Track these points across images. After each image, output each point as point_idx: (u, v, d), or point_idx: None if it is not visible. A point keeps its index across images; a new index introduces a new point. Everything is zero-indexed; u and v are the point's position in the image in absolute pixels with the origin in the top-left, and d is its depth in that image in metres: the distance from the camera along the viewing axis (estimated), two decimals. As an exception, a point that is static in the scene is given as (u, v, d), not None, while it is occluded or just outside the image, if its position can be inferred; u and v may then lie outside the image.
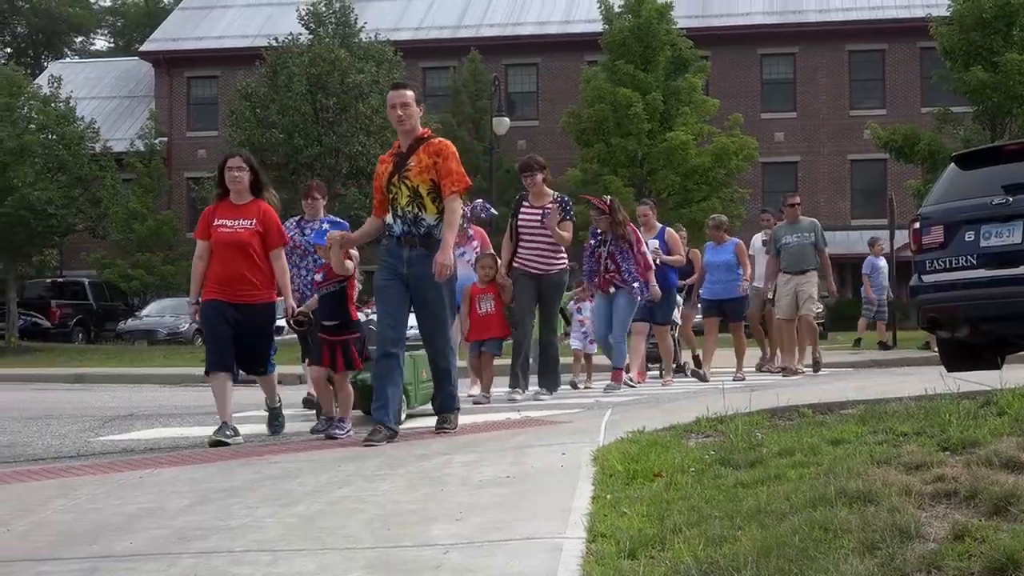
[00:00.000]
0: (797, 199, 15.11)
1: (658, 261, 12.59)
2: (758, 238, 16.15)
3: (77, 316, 39.63)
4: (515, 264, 10.40)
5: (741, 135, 36.16)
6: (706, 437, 5.70)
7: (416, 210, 7.16)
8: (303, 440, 8.27)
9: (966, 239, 9.91)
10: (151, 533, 4.78)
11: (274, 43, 38.15)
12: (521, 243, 10.41)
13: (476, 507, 4.76)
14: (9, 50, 68.41)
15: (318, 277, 7.94)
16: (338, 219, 9.36)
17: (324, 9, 38.29)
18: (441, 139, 7.49)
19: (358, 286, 8.48)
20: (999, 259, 9.65)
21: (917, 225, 10.54)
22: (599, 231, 11.65)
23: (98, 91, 50.11)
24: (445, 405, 7.58)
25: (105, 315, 40.20)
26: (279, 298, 8.38)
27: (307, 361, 8.89)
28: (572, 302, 13.89)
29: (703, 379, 14.17)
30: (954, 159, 11.30)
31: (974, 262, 9.81)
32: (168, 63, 48.32)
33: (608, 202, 11.77)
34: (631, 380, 12.44)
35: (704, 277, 14.67)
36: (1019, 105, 29.41)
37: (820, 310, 15.98)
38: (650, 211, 13.95)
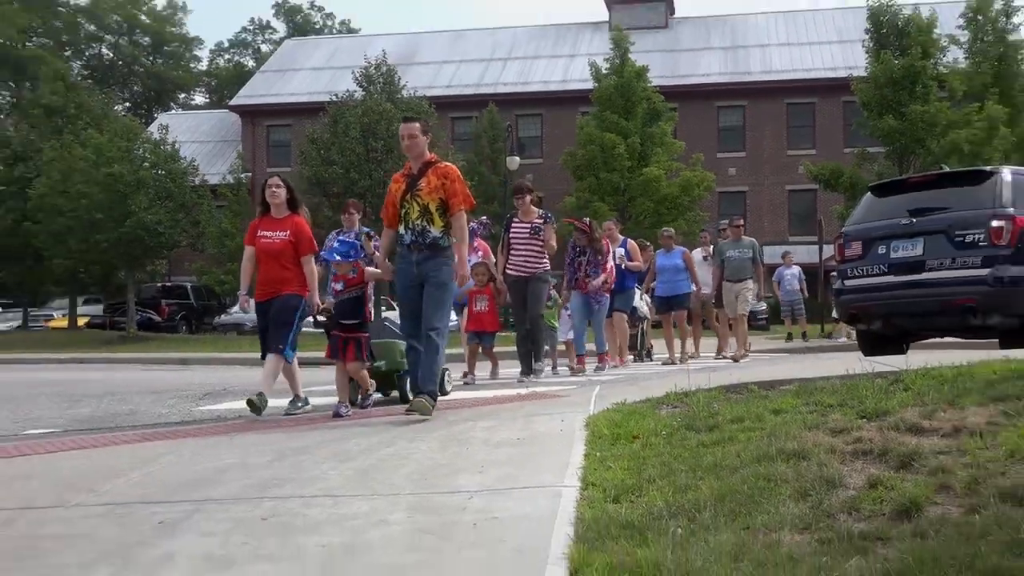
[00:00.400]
0: (740, 221, 15.29)
1: (623, 266, 12.72)
2: (698, 252, 16.03)
3: (181, 312, 39.76)
4: (507, 269, 10.43)
5: (701, 170, 36.22)
6: (674, 408, 5.70)
7: (424, 223, 6.90)
8: (355, 412, 8.06)
9: (879, 252, 9.89)
10: (240, 483, 4.79)
11: (335, 99, 38.21)
12: (512, 251, 10.43)
13: (494, 462, 4.77)
14: (128, 104, 68.54)
15: (337, 286, 7.72)
16: (351, 241, 8.81)
17: (374, 72, 38.41)
18: (447, 164, 7.20)
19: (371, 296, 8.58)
20: (905, 267, 9.63)
21: (841, 241, 10.53)
22: (578, 245, 11.65)
23: (197, 136, 50.22)
24: (425, 385, 6.86)
25: (203, 312, 40.31)
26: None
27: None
28: (557, 304, 13.67)
29: (673, 363, 13.86)
30: (870, 189, 11.27)
31: (885, 270, 9.80)
32: (252, 114, 48.46)
33: (588, 223, 11.81)
34: (611, 365, 12.46)
35: (655, 276, 14.61)
36: (921, 146, 29.47)
37: (763, 307, 16.01)
38: (614, 225, 13.92)
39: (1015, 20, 31.92)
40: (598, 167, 35.12)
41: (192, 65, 76.60)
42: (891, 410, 4.69)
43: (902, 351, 9.80)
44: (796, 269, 22.25)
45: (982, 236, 9.21)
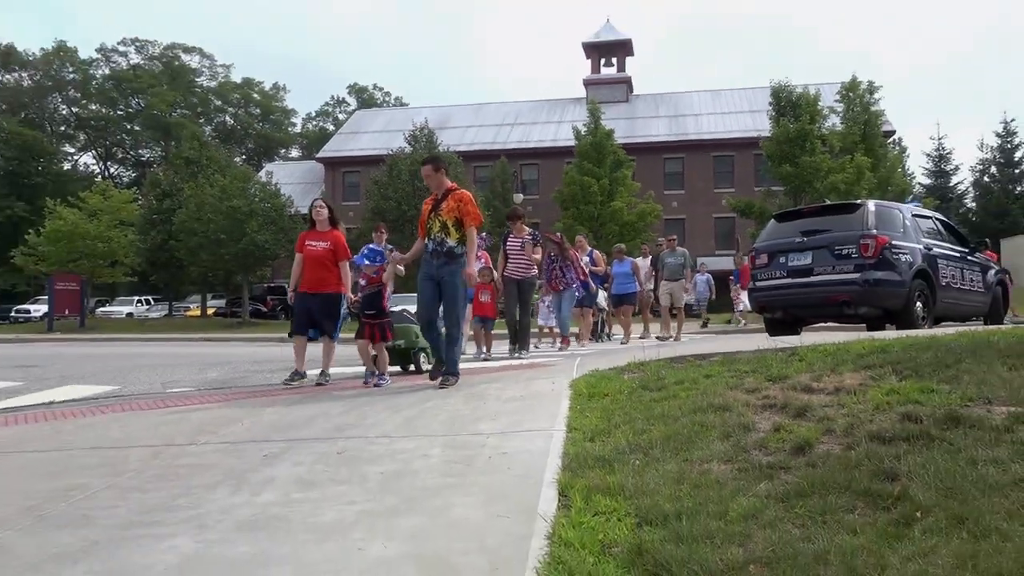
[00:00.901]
0: (674, 237, 15.07)
1: (587, 270, 12.50)
2: (641, 260, 15.68)
3: (281, 305, 39.31)
4: (505, 274, 10.28)
5: (652, 203, 36.17)
6: (633, 374, 5.67)
7: (443, 235, 6.49)
8: (399, 378, 8.13)
9: (780, 261, 9.89)
10: (321, 426, 4.77)
11: (390, 153, 38.32)
12: (508, 260, 10.27)
13: (504, 413, 4.75)
14: (244, 157, 68.62)
15: (362, 282, 7.41)
16: (379, 248, 8.83)
17: (419, 133, 38.55)
18: (462, 190, 6.75)
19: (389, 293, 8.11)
20: (799, 273, 9.64)
21: (752, 254, 10.51)
22: (553, 254, 11.39)
23: (292, 180, 50.10)
24: (450, 368, 6.51)
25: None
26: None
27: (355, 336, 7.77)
28: (540, 299, 13.82)
29: (626, 342, 13.40)
30: (774, 216, 11.27)
31: (785, 274, 9.79)
32: (332, 164, 48.46)
33: (559, 237, 11.65)
34: (580, 345, 12.28)
35: (612, 280, 14.25)
36: (810, 186, 29.51)
37: (693, 299, 15.95)
38: (583, 239, 13.90)
39: (876, 96, 31.93)
40: (579, 201, 35.18)
41: (289, 129, 76.74)
42: (790, 375, 4.66)
43: (797, 333, 9.79)
44: (707, 276, 22.56)
45: (854, 250, 9.22)
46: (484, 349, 10.08)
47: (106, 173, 66.60)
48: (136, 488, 3.53)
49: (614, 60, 51.36)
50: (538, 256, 10.45)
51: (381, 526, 2.77)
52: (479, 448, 3.81)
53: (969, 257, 10.76)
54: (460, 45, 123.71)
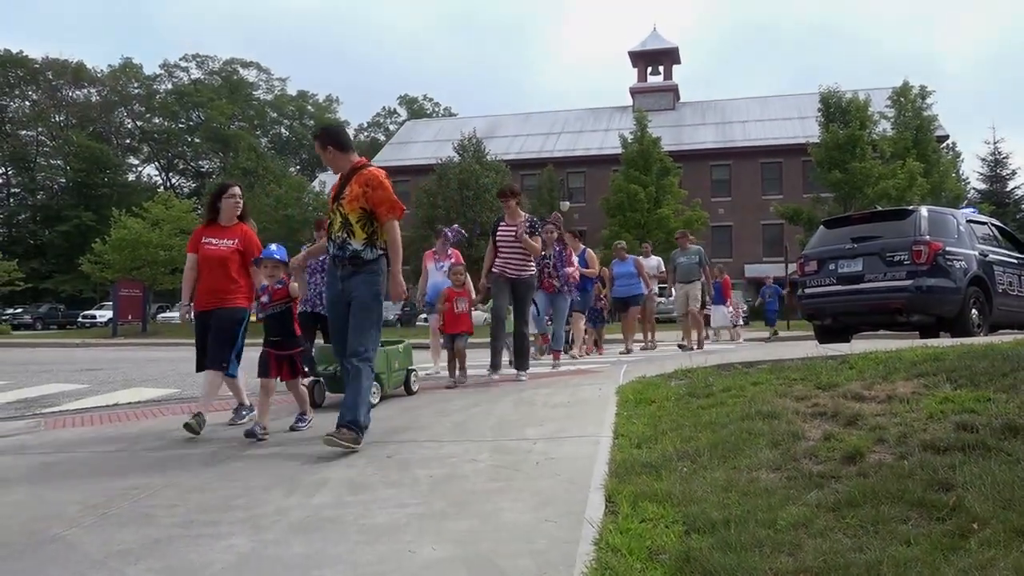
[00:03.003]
0: (685, 233, 13.18)
1: (577, 273, 10.27)
2: (644, 260, 13.28)
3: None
4: (494, 270, 7.56)
5: (699, 210, 35.81)
6: (680, 380, 5.60)
7: (344, 235, 4.56)
8: (443, 381, 7.47)
9: (830, 268, 9.70)
10: (370, 430, 4.81)
11: (440, 162, 38.60)
12: (499, 253, 7.57)
13: (551, 418, 4.74)
14: (298, 167, 69.74)
15: (264, 299, 5.08)
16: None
17: (467, 143, 38.69)
18: (373, 168, 4.75)
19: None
20: (848, 279, 9.44)
21: (802, 261, 10.33)
22: (545, 244, 8.82)
23: (345, 189, 50.83)
24: (347, 416, 4.25)
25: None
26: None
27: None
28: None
29: (628, 352, 11.85)
30: (823, 223, 11.05)
31: (835, 281, 9.60)
32: (383, 173, 49.02)
33: (556, 217, 9.61)
34: (573, 356, 10.92)
35: (614, 282, 12.56)
36: (860, 192, 28.88)
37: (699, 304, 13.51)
38: (575, 237, 11.22)
39: (928, 101, 31.21)
40: (625, 209, 34.96)
41: (342, 140, 77.92)
42: (840, 383, 4.55)
43: (847, 340, 9.57)
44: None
45: (906, 256, 9.00)
46: (456, 371, 7.26)
47: (168, 184, 68.43)
48: (196, 488, 3.61)
49: (660, 68, 51.02)
50: (537, 245, 7.72)
51: (431, 528, 2.78)
52: (527, 453, 3.80)
53: (1027, 263, 10.42)
54: (508, 56, 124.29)
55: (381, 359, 5.92)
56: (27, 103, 63.34)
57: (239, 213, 5.59)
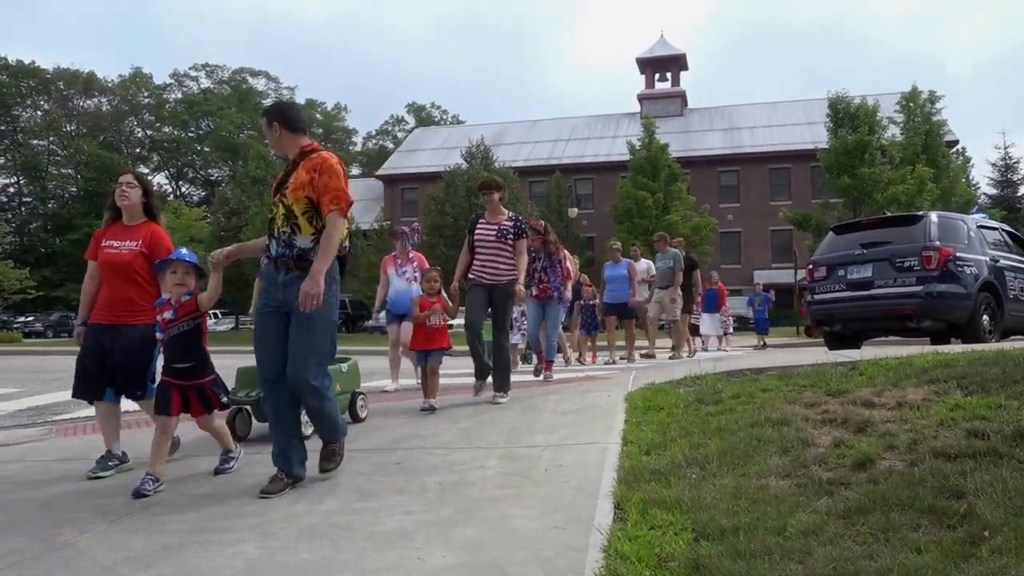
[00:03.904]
0: (663, 235, 12.31)
1: (570, 282, 8.94)
2: (636, 262, 12.25)
3: (342, 318, 40.46)
4: (470, 275, 6.44)
5: (707, 217, 35.76)
6: (689, 387, 5.59)
7: (290, 231, 3.76)
8: (460, 388, 7.40)
9: (839, 274, 9.66)
10: (380, 437, 4.82)
11: (448, 169, 38.68)
12: (476, 255, 6.43)
13: (560, 425, 4.73)
14: (307, 175, 70.00)
15: (167, 315, 3.97)
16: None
17: (475, 150, 38.79)
18: (324, 152, 3.92)
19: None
20: (857, 285, 9.41)
21: (811, 267, 10.29)
22: (533, 249, 7.89)
23: (353, 197, 49.20)
24: (326, 452, 3.86)
25: (357, 317, 40.80)
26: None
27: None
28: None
29: (612, 363, 10.86)
30: (832, 229, 11.01)
31: (844, 287, 9.57)
32: (391, 181, 49.04)
33: (542, 224, 8.39)
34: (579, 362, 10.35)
35: (604, 286, 11.50)
36: (869, 198, 28.74)
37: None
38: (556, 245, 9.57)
39: (937, 106, 31.12)
40: (633, 215, 34.92)
41: (350, 147, 78.20)
42: (850, 389, 4.53)
43: (857, 347, 9.53)
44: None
45: (916, 262, 8.96)
46: (428, 393, 6.02)
47: (178, 192, 68.78)
48: (206, 496, 3.62)
49: (668, 75, 51.02)
50: (523, 254, 6.51)
51: (439, 535, 2.78)
52: (535, 460, 3.80)
53: (1039, 269, 10.35)
54: (515, 63, 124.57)
55: None
56: (39, 113, 63.80)
57: (144, 208, 4.52)
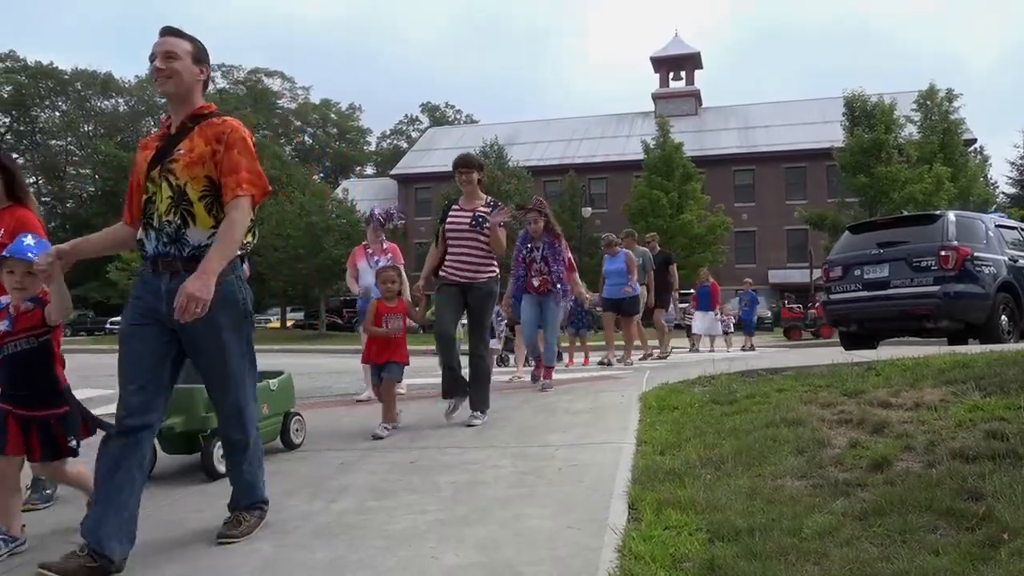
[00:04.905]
0: (631, 232, 11.33)
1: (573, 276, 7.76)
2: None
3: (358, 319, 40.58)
4: (440, 273, 5.35)
5: (722, 216, 35.59)
6: (704, 387, 5.57)
7: (179, 220, 2.76)
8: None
9: (855, 274, 9.61)
10: (395, 436, 4.82)
11: (462, 168, 38.71)
12: (448, 249, 5.33)
13: (573, 425, 4.73)
14: (321, 174, 70.26)
15: (2, 326, 2.96)
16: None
17: (489, 149, 38.79)
18: (228, 118, 2.91)
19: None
20: (874, 285, 9.35)
21: (827, 267, 10.24)
22: (531, 238, 6.90)
23: (367, 196, 50.70)
24: (241, 498, 3.02)
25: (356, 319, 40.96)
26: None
27: None
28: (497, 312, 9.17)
29: (608, 364, 9.77)
30: (848, 228, 10.95)
31: (860, 287, 9.51)
32: (405, 180, 49.19)
33: (539, 202, 7.12)
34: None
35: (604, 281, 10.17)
36: (886, 197, 28.51)
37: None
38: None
39: (955, 104, 30.82)
40: (648, 215, 34.78)
41: (365, 147, 78.45)
42: (866, 390, 4.50)
43: (873, 347, 9.46)
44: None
45: (933, 262, 8.90)
46: (384, 415, 5.02)
47: (193, 192, 69.26)
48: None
49: (682, 73, 50.84)
50: (500, 240, 5.33)
51: (453, 535, 2.79)
52: (549, 459, 3.80)
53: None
54: (529, 63, 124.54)
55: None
56: (57, 113, 64.41)
57: (6, 191, 3.59)
